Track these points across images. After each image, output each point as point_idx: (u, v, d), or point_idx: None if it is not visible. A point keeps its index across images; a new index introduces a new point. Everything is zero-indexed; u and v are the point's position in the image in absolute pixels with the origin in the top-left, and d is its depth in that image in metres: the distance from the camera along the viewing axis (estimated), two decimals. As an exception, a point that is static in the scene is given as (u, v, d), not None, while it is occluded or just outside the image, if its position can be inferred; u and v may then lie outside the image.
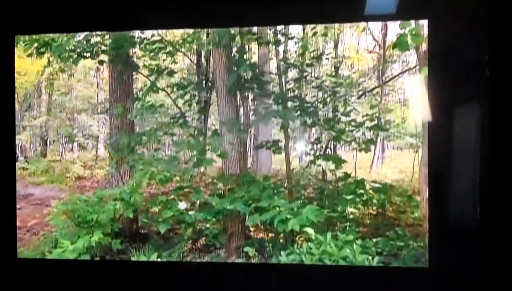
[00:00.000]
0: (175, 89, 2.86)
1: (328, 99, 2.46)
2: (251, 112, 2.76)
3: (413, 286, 1.26)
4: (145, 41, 2.90)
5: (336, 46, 2.56)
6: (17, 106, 3.77)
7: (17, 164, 3.56)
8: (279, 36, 2.60)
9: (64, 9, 1.35)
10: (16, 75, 3.70)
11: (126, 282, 1.36)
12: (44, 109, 3.84)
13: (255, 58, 2.72)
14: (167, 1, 1.33)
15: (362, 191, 2.31)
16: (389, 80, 2.43)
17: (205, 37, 2.93)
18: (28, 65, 3.55)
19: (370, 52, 2.52)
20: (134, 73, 3.01)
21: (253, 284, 1.34)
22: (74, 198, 2.88)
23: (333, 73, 2.52)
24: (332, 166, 2.46)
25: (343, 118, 2.39)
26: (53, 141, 3.82)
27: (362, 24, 2.48)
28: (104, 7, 1.33)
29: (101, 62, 3.09)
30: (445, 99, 1.20)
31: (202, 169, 2.93)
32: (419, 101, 2.34)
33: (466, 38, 1.18)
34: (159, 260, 2.48)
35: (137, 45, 2.92)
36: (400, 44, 1.93)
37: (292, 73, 2.65)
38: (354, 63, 2.56)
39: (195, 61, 3.00)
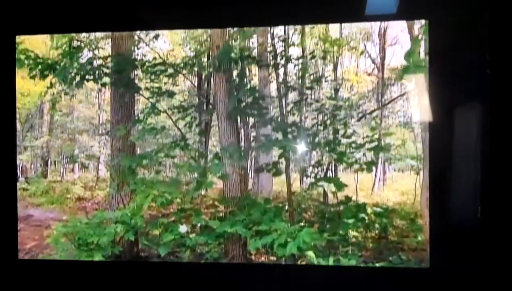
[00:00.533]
0: (175, 111, 2.89)
1: (328, 122, 2.47)
2: (252, 134, 2.77)
3: (413, 286, 1.24)
4: (147, 64, 2.95)
5: (335, 69, 2.59)
6: (19, 126, 3.80)
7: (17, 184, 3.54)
8: (279, 59, 2.64)
9: (65, 9, 1.35)
10: (19, 96, 3.74)
11: (126, 282, 1.35)
12: (45, 129, 3.86)
13: (255, 80, 2.75)
14: (168, 1, 1.33)
15: (363, 215, 2.30)
16: (388, 102, 2.45)
17: (205, 59, 2.97)
18: (31, 86, 3.60)
19: (369, 74, 2.55)
20: (135, 94, 3.04)
21: (253, 284, 1.32)
22: (75, 220, 2.87)
23: (333, 96, 2.54)
24: (334, 188, 2.46)
25: (344, 141, 2.40)
26: (54, 161, 3.83)
27: (361, 47, 2.52)
28: (105, 8, 1.33)
29: (103, 85, 3.13)
30: (446, 99, 1.19)
31: (203, 191, 2.92)
32: (418, 124, 2.36)
33: (467, 38, 1.17)
34: (159, 260, 2.46)
35: (139, 68, 2.96)
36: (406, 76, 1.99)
37: (292, 95, 2.67)
38: (354, 86, 2.59)
39: (196, 84, 3.03)
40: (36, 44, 3.37)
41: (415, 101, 2.30)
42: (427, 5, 1.22)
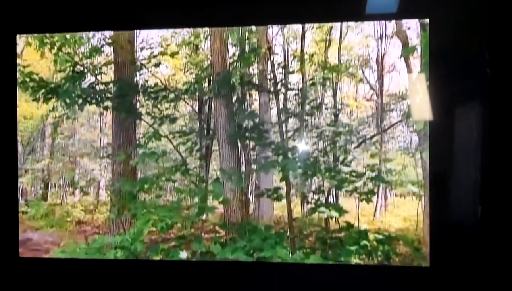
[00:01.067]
0: (176, 135, 2.91)
1: (328, 148, 2.49)
2: (252, 159, 2.79)
3: (414, 286, 1.24)
4: (149, 90, 2.99)
5: (334, 95, 2.63)
6: (20, 149, 3.82)
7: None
8: (279, 86, 2.68)
9: (65, 8, 1.35)
10: (22, 119, 3.76)
11: (127, 281, 1.35)
12: (47, 152, 3.87)
13: (256, 105, 2.79)
14: (166, 1, 1.34)
15: (365, 242, 2.28)
16: (388, 128, 2.48)
17: (206, 84, 3.02)
18: (34, 110, 3.64)
19: (368, 100, 2.59)
20: (137, 119, 3.07)
21: (253, 283, 1.31)
22: (74, 246, 2.85)
23: (333, 121, 2.57)
24: (335, 214, 2.45)
25: (344, 169, 2.41)
26: (55, 184, 3.83)
27: (359, 74, 2.57)
28: (105, 7, 1.34)
29: (105, 108, 3.16)
30: (446, 99, 1.19)
31: (203, 216, 2.91)
32: (418, 153, 2.38)
33: (467, 37, 1.18)
34: (159, 259, 2.40)
35: (141, 93, 3.01)
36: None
37: (293, 121, 2.70)
38: (353, 111, 2.62)
39: (196, 109, 3.07)
40: (40, 68, 3.43)
41: (414, 126, 2.33)
42: (427, 5, 1.23)
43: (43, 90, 3.07)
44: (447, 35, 1.20)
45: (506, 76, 1.12)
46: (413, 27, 2.23)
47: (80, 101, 3.00)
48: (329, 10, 1.30)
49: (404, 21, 2.27)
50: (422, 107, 2.06)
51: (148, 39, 3.20)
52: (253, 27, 2.44)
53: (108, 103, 3.03)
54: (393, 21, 2.32)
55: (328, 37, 2.63)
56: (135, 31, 3.17)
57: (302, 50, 2.67)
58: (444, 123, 1.21)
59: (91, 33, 3.19)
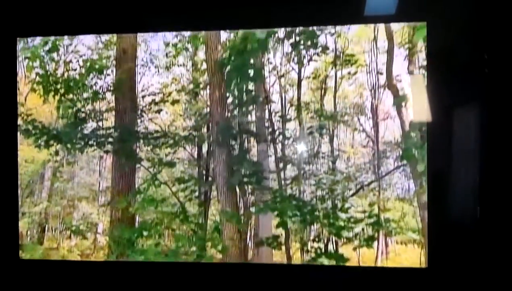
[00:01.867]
0: (176, 182, 2.93)
1: (326, 197, 2.51)
2: (251, 204, 2.79)
3: (412, 286, 1.21)
4: (149, 136, 3.05)
5: (331, 141, 2.69)
6: (19, 192, 3.79)
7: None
8: (277, 133, 2.74)
9: (66, 11, 1.35)
10: (23, 163, 3.77)
11: (127, 282, 1.33)
12: (45, 195, 3.86)
13: (254, 151, 2.83)
14: (169, 4, 1.34)
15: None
16: (386, 175, 2.51)
17: (205, 130, 3.08)
18: (35, 153, 3.67)
19: (364, 147, 2.64)
20: (137, 164, 3.10)
21: (253, 284, 1.29)
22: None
23: (331, 168, 2.61)
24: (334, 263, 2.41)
25: (343, 215, 2.41)
26: (52, 228, 3.78)
27: (355, 122, 2.64)
28: (106, 10, 1.34)
29: (106, 152, 3.21)
30: (444, 99, 1.19)
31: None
32: (415, 198, 2.40)
33: (465, 38, 1.18)
34: (159, 260, 2.39)
35: (141, 140, 3.06)
36: (407, 156, 2.10)
37: (291, 169, 2.73)
38: (350, 157, 2.66)
39: (195, 155, 3.11)
40: (43, 113, 3.51)
41: (411, 174, 2.36)
42: (425, 6, 1.24)
43: (45, 137, 3.13)
44: (446, 36, 1.21)
45: (505, 76, 1.11)
46: (404, 78, 2.32)
47: (82, 144, 3.05)
48: (328, 11, 1.31)
49: (394, 73, 2.37)
50: (418, 155, 2.10)
51: (149, 85, 3.30)
52: (252, 84, 2.55)
53: (108, 148, 3.08)
54: (384, 74, 2.43)
55: (323, 86, 2.72)
56: (136, 78, 3.28)
57: (298, 99, 2.75)
58: (442, 124, 1.20)
59: (93, 80, 3.29)
